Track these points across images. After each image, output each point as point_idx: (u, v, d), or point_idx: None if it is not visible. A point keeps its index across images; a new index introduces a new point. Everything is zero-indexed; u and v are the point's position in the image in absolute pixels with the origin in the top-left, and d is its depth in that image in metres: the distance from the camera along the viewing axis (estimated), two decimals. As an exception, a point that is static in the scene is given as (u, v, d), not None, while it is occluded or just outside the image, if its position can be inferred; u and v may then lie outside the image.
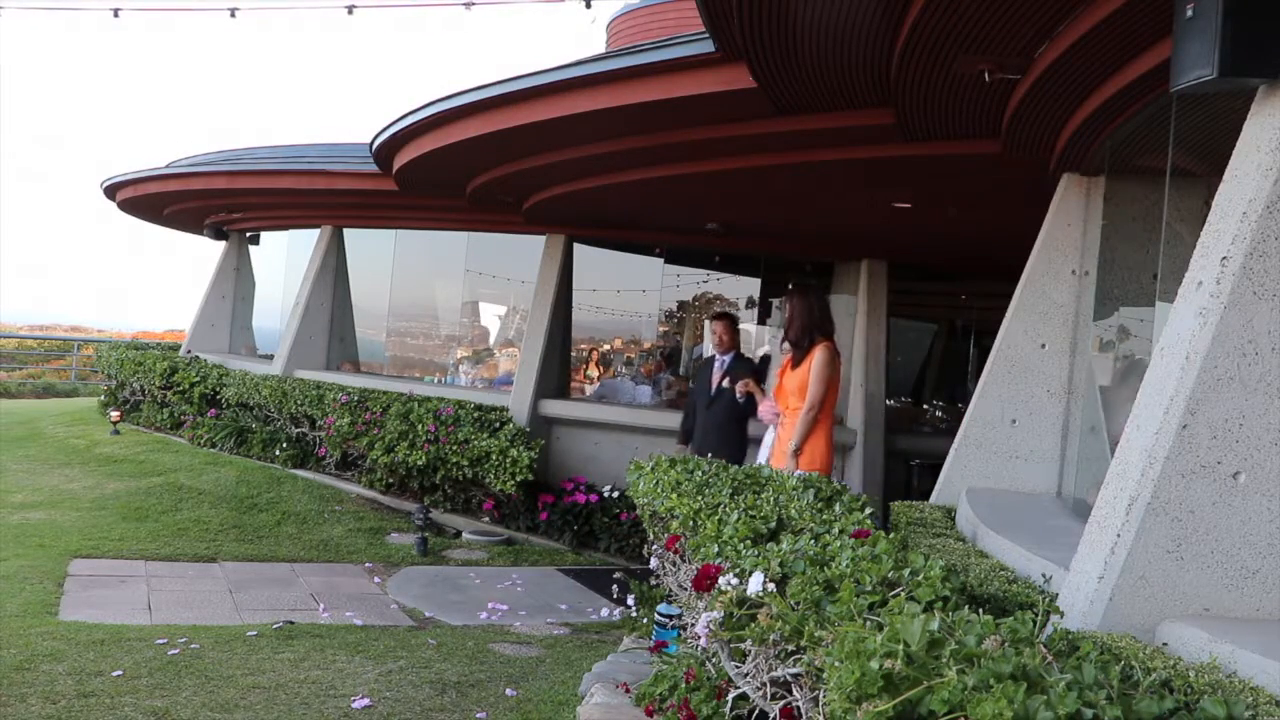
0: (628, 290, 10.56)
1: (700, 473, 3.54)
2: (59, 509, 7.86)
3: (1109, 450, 3.64)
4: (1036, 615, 1.85)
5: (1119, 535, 2.49)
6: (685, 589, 2.86)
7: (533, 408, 8.95)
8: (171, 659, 4.44)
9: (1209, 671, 1.99)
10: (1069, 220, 4.74)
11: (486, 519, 8.27)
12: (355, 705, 3.98)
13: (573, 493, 8.33)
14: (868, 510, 3.00)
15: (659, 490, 3.47)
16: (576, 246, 9.69)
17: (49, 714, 3.70)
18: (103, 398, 13.61)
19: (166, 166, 11.88)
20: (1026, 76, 4.00)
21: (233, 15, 9.62)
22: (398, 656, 4.74)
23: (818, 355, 5.28)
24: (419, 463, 8.09)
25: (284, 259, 13.31)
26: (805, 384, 5.29)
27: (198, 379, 11.27)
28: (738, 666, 2.23)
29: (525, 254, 9.98)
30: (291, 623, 5.30)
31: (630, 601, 5.14)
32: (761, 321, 11.10)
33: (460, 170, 7.74)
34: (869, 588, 2.03)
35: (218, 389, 11.07)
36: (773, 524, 2.77)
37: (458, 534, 8.00)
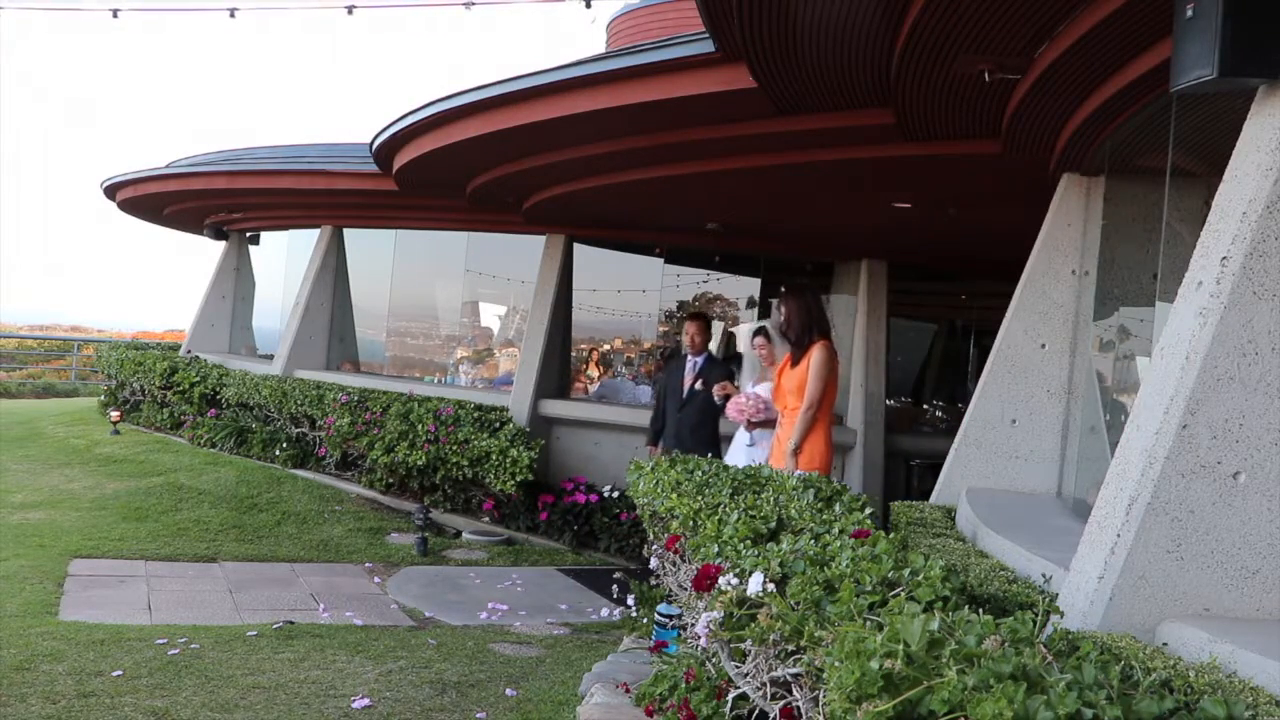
0: (628, 290, 10.56)
1: (700, 473, 3.54)
2: (59, 509, 7.86)
3: (1109, 450, 3.64)
4: (1036, 615, 1.84)
5: (1119, 535, 2.49)
6: (685, 589, 2.86)
7: (533, 408, 8.96)
8: (171, 659, 4.44)
9: (1209, 671, 1.99)
10: (1069, 220, 4.74)
11: (486, 519, 8.27)
12: (355, 705, 3.98)
13: (573, 493, 8.33)
14: (868, 510, 3.00)
15: (659, 490, 3.47)
16: (576, 246, 9.69)
17: (49, 714, 3.70)
18: (103, 398, 13.61)
19: (166, 166, 11.88)
20: (1026, 76, 4.01)
21: (232, 15, 9.62)
22: (398, 656, 4.74)
23: (815, 354, 5.29)
24: (419, 463, 8.09)
25: (284, 259, 13.31)
26: (803, 383, 5.30)
27: (198, 379, 11.27)
28: (738, 666, 2.23)
29: (525, 254, 9.98)
30: (291, 623, 5.30)
31: (630, 601, 5.14)
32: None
33: (460, 170, 7.74)
34: (869, 588, 2.03)
35: (218, 389, 11.06)
36: (773, 524, 2.77)
37: (458, 534, 8.00)
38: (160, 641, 4.70)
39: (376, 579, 6.67)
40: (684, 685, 2.75)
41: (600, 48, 10.94)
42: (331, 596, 6.10)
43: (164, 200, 12.45)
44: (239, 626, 5.23)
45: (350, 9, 9.63)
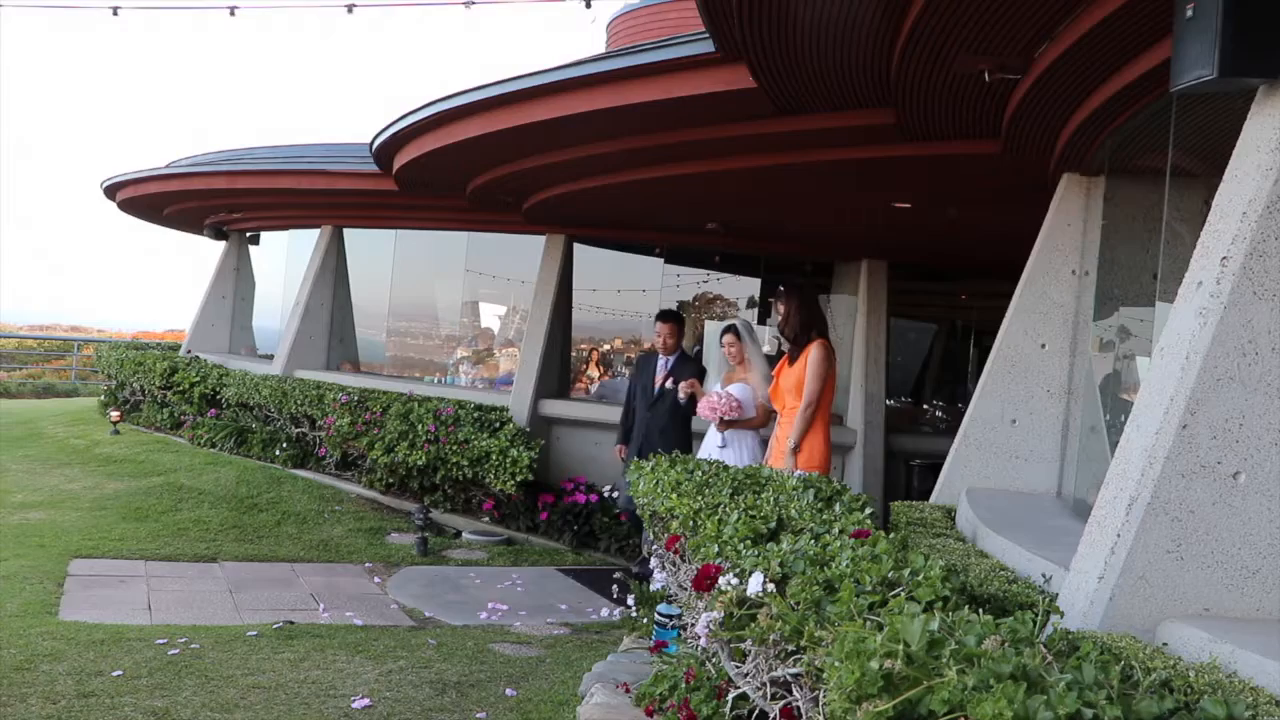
0: (628, 290, 10.56)
1: (700, 473, 3.54)
2: (59, 509, 7.86)
3: (1109, 450, 3.64)
4: (1036, 615, 1.85)
5: (1119, 535, 2.49)
6: (685, 589, 2.86)
7: (533, 408, 8.95)
8: (171, 659, 4.44)
9: (1209, 671, 1.99)
10: (1069, 220, 4.74)
11: (486, 519, 8.27)
12: (355, 705, 3.98)
13: (573, 493, 8.33)
14: (868, 510, 3.00)
15: (659, 490, 3.47)
16: (576, 246, 9.69)
17: (49, 714, 3.70)
18: (103, 398, 13.61)
19: (166, 166, 11.88)
20: (1026, 76, 4.00)
21: (232, 14, 9.62)
22: (398, 656, 4.73)
23: (813, 353, 5.30)
24: (419, 463, 8.09)
25: (284, 259, 13.31)
26: (801, 381, 5.30)
27: (198, 379, 11.27)
28: (738, 666, 2.23)
29: (525, 254, 9.98)
30: (291, 623, 5.30)
31: (630, 601, 5.14)
32: (761, 321, 11.10)
33: (460, 170, 7.74)
34: (869, 588, 2.03)
35: (218, 389, 11.06)
36: (773, 524, 2.77)
37: (458, 534, 8.00)
38: (160, 641, 4.70)
39: (376, 579, 6.67)
40: (684, 685, 2.75)
41: (600, 48, 10.93)
42: (331, 596, 6.10)
43: (164, 200, 12.45)
44: (239, 626, 5.23)
45: (350, 9, 9.63)
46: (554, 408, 9.10)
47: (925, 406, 11.51)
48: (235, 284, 14.06)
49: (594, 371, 10.98)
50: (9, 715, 3.67)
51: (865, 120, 5.00)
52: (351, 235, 11.68)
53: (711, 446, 5.90)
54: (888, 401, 9.51)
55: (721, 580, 2.27)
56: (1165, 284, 3.92)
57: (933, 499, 4.74)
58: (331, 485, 8.91)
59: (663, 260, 10.44)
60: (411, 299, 12.21)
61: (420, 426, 8.14)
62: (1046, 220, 4.82)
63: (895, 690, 1.54)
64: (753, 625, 2.07)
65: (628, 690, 3.21)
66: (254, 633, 5.02)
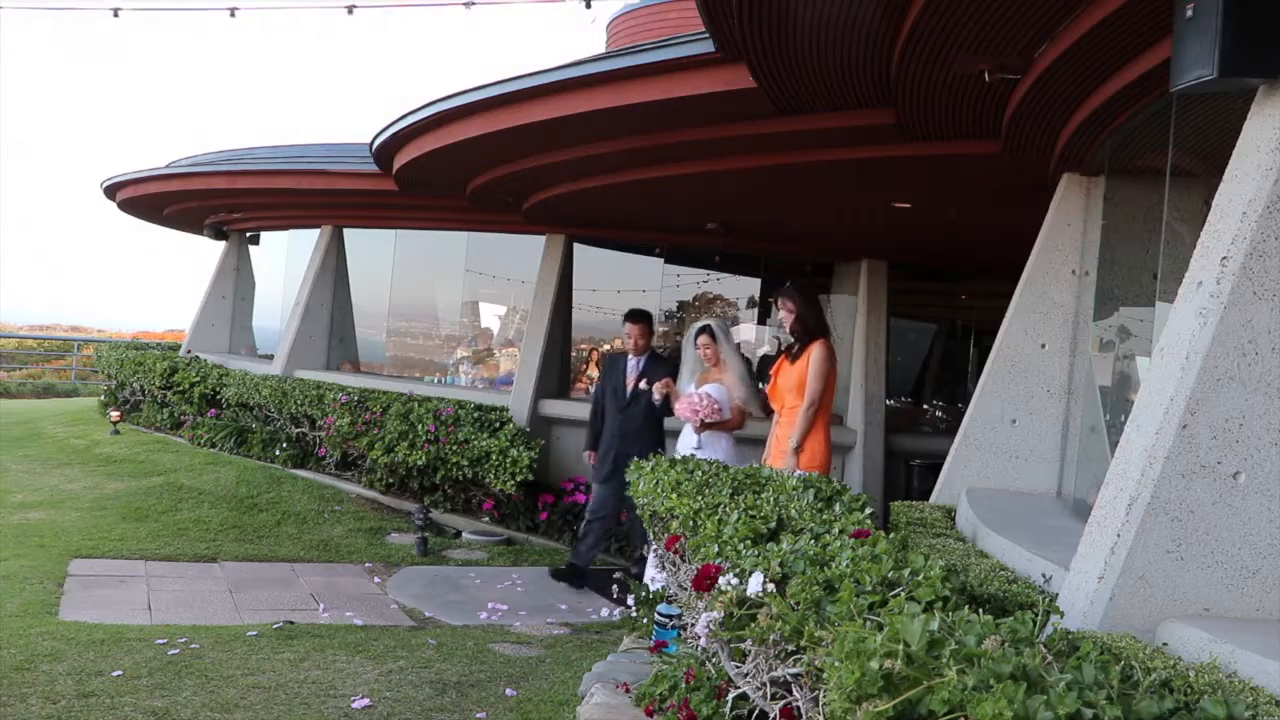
0: (628, 290, 10.56)
1: (700, 473, 3.54)
2: (59, 509, 7.86)
3: (1109, 450, 3.64)
4: (1036, 615, 1.84)
5: (1119, 535, 2.49)
6: (685, 589, 2.86)
7: (533, 408, 8.95)
8: (171, 659, 4.44)
9: (1209, 671, 1.99)
10: (1069, 220, 4.74)
11: (486, 519, 8.27)
12: (355, 705, 3.98)
13: (573, 493, 8.33)
14: (868, 510, 3.00)
15: (659, 490, 3.47)
16: (576, 246, 9.69)
17: (49, 714, 3.70)
18: (103, 398, 13.61)
19: (166, 166, 11.88)
20: (1026, 76, 4.01)
21: (232, 15, 9.63)
22: (398, 656, 4.73)
23: (815, 352, 5.30)
24: (419, 463, 8.09)
25: (284, 259, 13.31)
26: (803, 381, 5.30)
27: (198, 379, 11.27)
28: (738, 666, 2.23)
29: (525, 254, 9.98)
30: (291, 623, 5.30)
31: (630, 601, 5.13)
32: (761, 321, 11.10)
33: (460, 170, 7.74)
34: (869, 588, 2.03)
35: (218, 389, 11.06)
36: (773, 524, 2.77)
37: (458, 534, 8.00)
38: (160, 641, 4.70)
39: (376, 579, 6.67)
40: (684, 685, 2.75)
41: (600, 48, 10.93)
42: (331, 596, 6.10)
43: (164, 200, 12.45)
44: (239, 626, 5.23)
45: (350, 9, 9.64)
46: (554, 408, 9.09)
47: (925, 406, 11.51)
48: (235, 284, 14.06)
49: (594, 371, 10.97)
50: (9, 715, 3.67)
51: (865, 120, 5.00)
52: (351, 235, 11.68)
53: (686, 447, 5.81)
54: (888, 401, 9.51)
55: (721, 580, 2.27)
56: (1165, 284, 3.92)
57: (933, 499, 4.74)
58: (331, 485, 8.91)
59: (663, 260, 10.44)
60: (411, 299, 12.21)
61: (420, 426, 8.14)
62: (1046, 220, 4.82)
63: (895, 690, 1.54)
64: (753, 625, 2.07)
65: (628, 690, 3.21)
66: (254, 633, 5.02)
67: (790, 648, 2.00)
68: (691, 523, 2.98)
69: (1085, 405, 4.65)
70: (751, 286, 10.90)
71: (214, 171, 10.92)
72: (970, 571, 3.02)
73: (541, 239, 9.64)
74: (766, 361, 10.34)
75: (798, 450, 5.25)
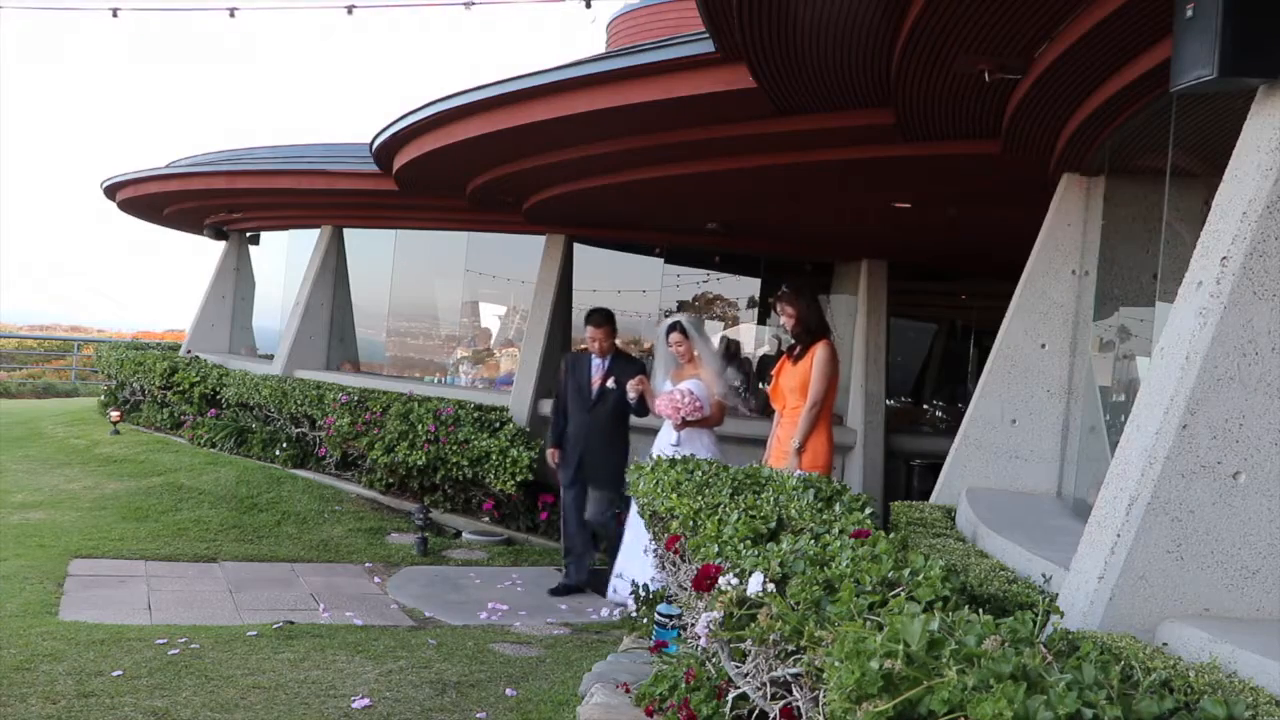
0: (628, 290, 10.56)
1: (700, 473, 3.54)
2: (59, 509, 7.86)
3: (1109, 450, 3.64)
4: (1036, 615, 1.84)
5: (1119, 535, 2.49)
6: (685, 589, 2.86)
7: (533, 408, 8.95)
8: (171, 659, 4.43)
9: (1209, 671, 1.99)
10: (1069, 220, 4.74)
11: (486, 519, 8.27)
12: (355, 705, 3.98)
13: (573, 493, 8.32)
14: (868, 510, 3.00)
15: (659, 490, 3.47)
16: (576, 246, 9.68)
17: (49, 714, 3.70)
18: (103, 398, 13.61)
19: (166, 166, 11.88)
20: (1026, 76, 4.01)
21: (232, 15, 9.63)
22: (398, 656, 4.73)
23: (819, 353, 5.30)
24: (419, 463, 8.09)
25: (284, 259, 13.31)
26: (805, 382, 5.30)
27: (198, 379, 11.27)
28: (738, 666, 2.23)
29: (525, 254, 9.98)
30: (291, 623, 5.29)
31: (630, 601, 5.13)
32: (762, 322, 11.10)
33: (460, 170, 7.74)
34: (869, 588, 2.03)
35: (218, 389, 11.07)
36: (773, 524, 2.77)
37: (458, 534, 8.00)
38: (160, 641, 4.70)
39: (376, 579, 6.67)
40: (684, 685, 2.75)
41: (600, 48, 10.93)
42: (331, 596, 6.10)
43: (164, 200, 12.45)
44: (239, 626, 5.23)
45: (350, 9, 9.64)
46: (554, 408, 9.09)
47: (925, 406, 11.51)
48: (235, 284, 14.05)
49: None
50: (9, 715, 3.66)
51: (865, 120, 5.00)
52: (351, 235, 11.68)
53: (665, 445, 5.74)
54: (888, 401, 9.51)
55: (721, 580, 2.27)
56: (1165, 284, 3.92)
57: (933, 499, 4.74)
58: (331, 485, 8.91)
59: (663, 260, 10.44)
60: (411, 299, 12.21)
61: (420, 426, 8.14)
62: (1046, 220, 4.82)
63: (895, 690, 1.54)
64: (753, 625, 2.07)
65: (628, 690, 3.21)
66: (254, 633, 5.02)
67: (790, 648, 2.00)
68: (691, 523, 2.98)
69: (1085, 405, 4.65)
70: (751, 286, 10.90)
71: (214, 171, 10.91)
72: (970, 571, 3.02)
73: (541, 239, 9.64)
74: (767, 361, 10.35)
75: (800, 450, 5.25)
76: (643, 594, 4.75)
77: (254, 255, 14.31)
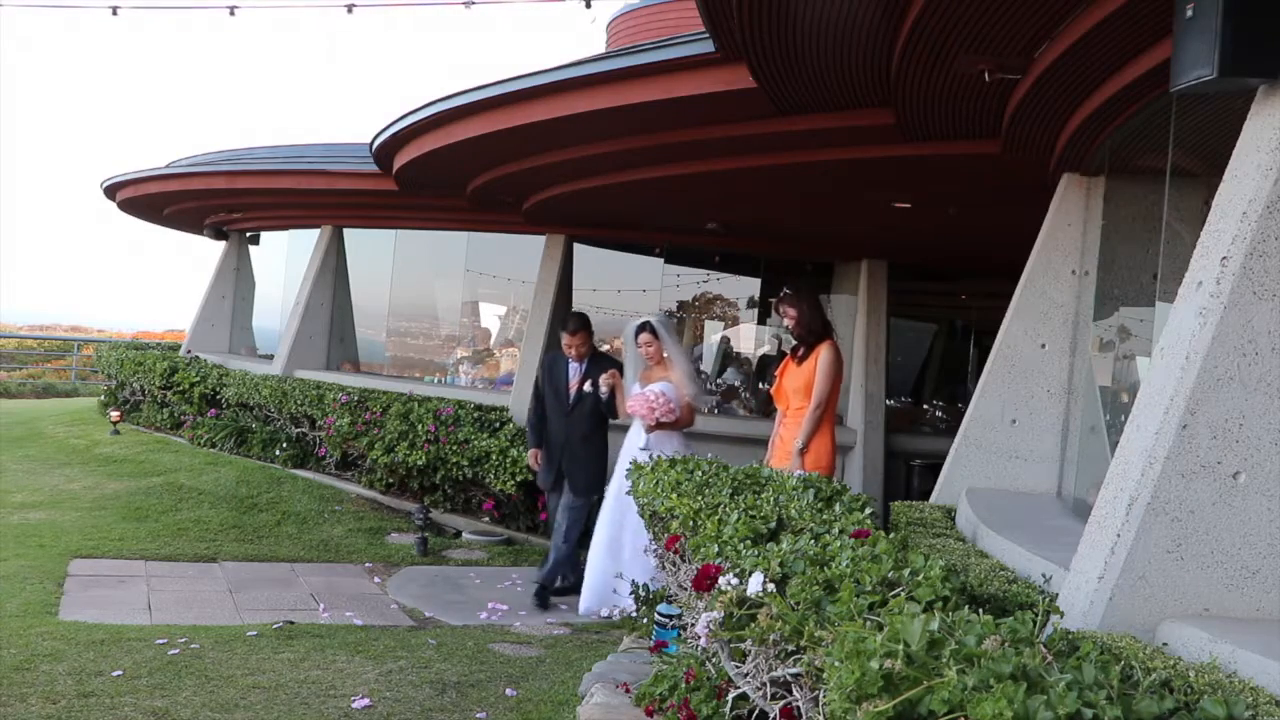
0: (628, 290, 10.56)
1: (700, 473, 3.54)
2: (59, 509, 7.86)
3: (1109, 450, 3.64)
4: (1036, 615, 1.84)
5: (1119, 535, 2.49)
6: (685, 589, 2.86)
7: (533, 408, 8.94)
8: (171, 659, 4.43)
9: (1209, 671, 1.99)
10: (1069, 220, 4.74)
11: (486, 519, 8.27)
12: (355, 705, 3.98)
13: (573, 493, 8.31)
14: (868, 510, 3.00)
15: (659, 490, 3.47)
16: (576, 246, 9.69)
17: (49, 714, 3.70)
18: (103, 398, 13.60)
19: (166, 166, 11.88)
20: (1026, 76, 4.01)
21: (232, 14, 9.61)
22: (398, 656, 4.73)
23: (824, 354, 5.30)
24: (419, 463, 8.09)
25: (284, 259, 13.31)
26: (810, 383, 5.30)
27: (198, 379, 11.27)
28: (738, 666, 2.23)
29: (525, 254, 9.98)
30: (291, 623, 5.30)
31: (630, 601, 5.13)
32: (762, 322, 11.10)
33: (460, 170, 7.74)
34: (869, 588, 2.03)
35: (218, 389, 11.07)
36: (773, 524, 2.77)
37: (458, 534, 8.00)
38: (160, 641, 4.70)
39: (376, 579, 6.67)
40: (684, 685, 2.75)
41: (600, 48, 10.93)
42: (331, 596, 6.10)
43: (164, 200, 12.45)
44: (239, 626, 5.23)
45: (350, 9, 9.63)
46: (554, 408, 9.08)
47: (925, 406, 11.51)
48: (235, 284, 14.05)
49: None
50: (9, 715, 3.67)
51: (865, 120, 5.00)
52: (351, 235, 11.68)
53: (633, 449, 5.68)
54: (888, 401, 9.51)
55: (721, 580, 2.27)
56: (1165, 284, 3.92)
57: (933, 499, 4.74)
58: (331, 485, 8.91)
59: (663, 260, 10.44)
60: (411, 299, 12.21)
61: (420, 426, 8.14)
62: (1046, 220, 4.82)
63: (895, 690, 1.54)
64: (753, 625, 2.07)
65: (628, 690, 3.21)
66: (254, 633, 5.02)
67: (790, 648, 2.00)
68: (691, 523, 2.98)
69: (1085, 405, 4.65)
70: (751, 286, 10.90)
71: (214, 171, 10.91)
72: (970, 571, 3.02)
73: (541, 239, 9.64)
74: (767, 362, 10.35)
75: (803, 451, 5.25)
76: (642, 594, 4.75)
77: (254, 255, 14.31)
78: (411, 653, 4.84)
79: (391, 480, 8.69)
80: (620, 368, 6.24)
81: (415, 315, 12.45)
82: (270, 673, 4.33)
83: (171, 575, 6.36)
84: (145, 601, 5.74)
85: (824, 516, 2.85)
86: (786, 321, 5.55)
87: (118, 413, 11.64)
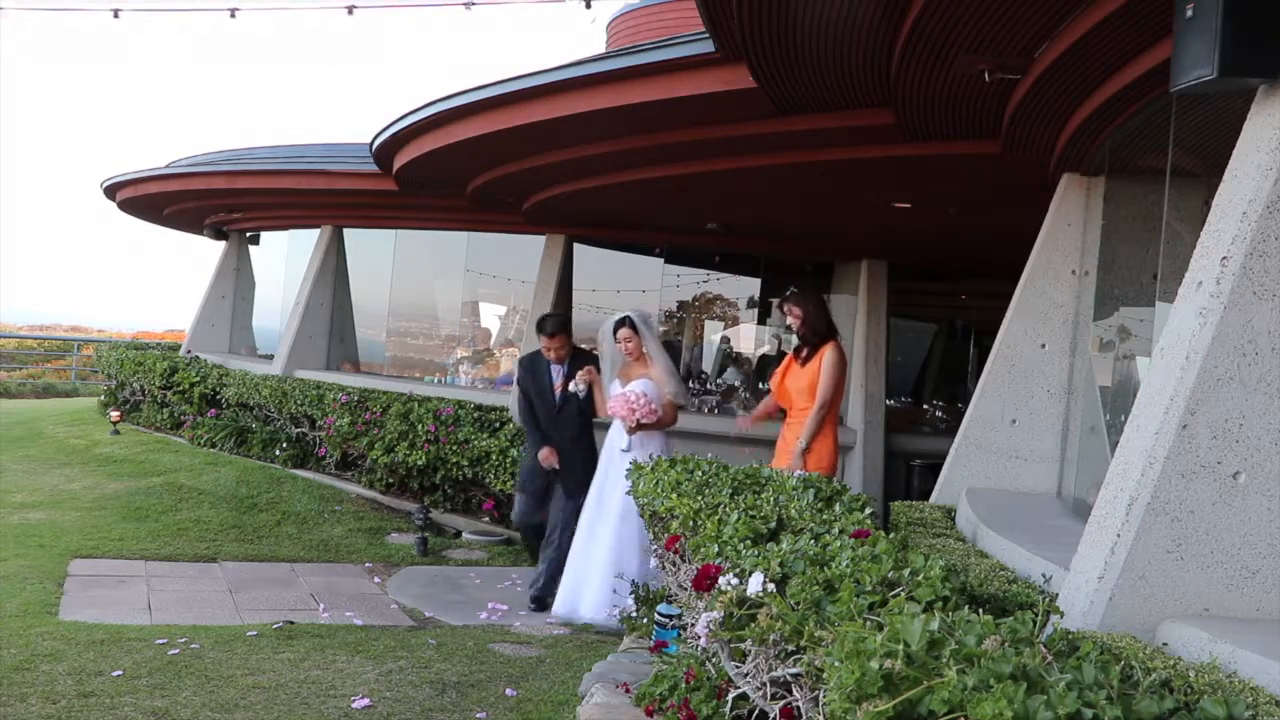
0: (628, 290, 10.56)
1: (700, 473, 3.54)
2: (59, 509, 7.86)
3: (1109, 450, 3.64)
4: (1036, 615, 1.84)
5: (1119, 535, 2.49)
6: (685, 589, 2.86)
7: (533, 408, 8.93)
8: (171, 659, 4.43)
9: (1209, 671, 1.99)
10: (1069, 220, 4.74)
11: (486, 519, 8.27)
12: (355, 705, 3.98)
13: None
14: (868, 510, 3.00)
15: (659, 490, 3.47)
16: (576, 246, 9.69)
17: (49, 714, 3.70)
18: (103, 398, 13.60)
19: (166, 166, 11.88)
20: (1026, 76, 4.01)
21: (232, 15, 9.62)
22: (398, 656, 4.73)
23: (829, 354, 5.30)
24: (419, 463, 8.09)
25: (284, 259, 13.31)
26: (814, 383, 5.30)
27: (198, 379, 11.27)
28: (738, 666, 2.23)
29: (525, 254, 9.98)
30: (291, 623, 5.29)
31: (630, 601, 5.13)
32: (761, 321, 11.10)
33: (460, 170, 7.75)
34: (869, 588, 2.03)
35: (218, 389, 11.07)
36: (773, 524, 2.77)
37: (458, 534, 7.99)
38: (160, 641, 4.70)
39: (376, 579, 6.67)
40: (684, 685, 2.75)
41: (600, 48, 10.93)
42: (331, 596, 6.10)
43: (164, 200, 12.45)
44: (239, 626, 5.23)
45: (350, 9, 9.64)
46: (554, 408, 9.08)
47: (925, 406, 11.51)
48: (235, 284, 14.05)
49: (594, 371, 10.96)
50: (9, 715, 3.66)
51: (865, 120, 5.01)
52: (351, 235, 11.68)
53: (615, 450, 5.58)
54: (888, 401, 9.51)
55: (721, 580, 2.27)
56: (1165, 284, 3.92)
57: (933, 499, 4.74)
58: (331, 485, 8.91)
59: (663, 260, 10.44)
60: (411, 299, 12.21)
61: (420, 426, 8.14)
62: (1046, 220, 4.82)
63: (895, 690, 1.54)
64: (753, 625, 2.07)
65: (628, 690, 3.21)
66: (254, 633, 5.02)
67: (790, 648, 2.00)
68: (691, 523, 2.98)
69: (1085, 405, 4.65)
70: (751, 286, 10.90)
71: (214, 171, 10.92)
72: (970, 571, 3.02)
73: (541, 239, 9.64)
74: (767, 362, 10.35)
75: (806, 452, 5.25)
76: (642, 594, 4.75)
77: (254, 255, 14.31)
78: (411, 653, 4.84)
79: (391, 480, 8.69)
80: (597, 363, 6.06)
81: (415, 315, 12.45)
82: (270, 673, 4.33)
83: (171, 575, 6.36)
84: (145, 601, 5.74)
85: (824, 516, 2.85)
86: (791, 321, 5.54)
87: (118, 413, 11.64)
